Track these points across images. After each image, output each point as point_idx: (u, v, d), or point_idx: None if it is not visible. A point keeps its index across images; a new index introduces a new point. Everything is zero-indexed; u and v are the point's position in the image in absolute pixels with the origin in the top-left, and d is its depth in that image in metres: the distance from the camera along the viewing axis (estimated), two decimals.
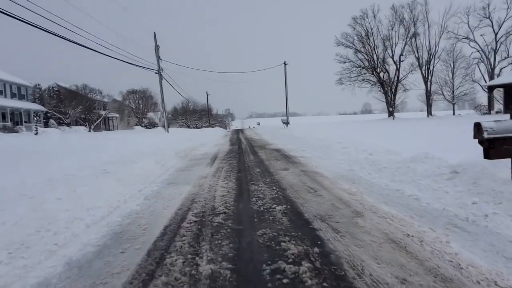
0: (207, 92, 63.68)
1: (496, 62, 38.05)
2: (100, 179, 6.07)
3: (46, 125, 31.10)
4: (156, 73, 26.45)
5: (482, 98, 39.16)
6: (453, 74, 34.37)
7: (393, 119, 34.86)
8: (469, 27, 39.02)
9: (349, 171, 7.08)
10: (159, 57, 26.60)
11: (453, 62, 34.32)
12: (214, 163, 9.76)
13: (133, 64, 22.96)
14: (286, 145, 14.24)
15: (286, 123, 26.82)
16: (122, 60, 21.17)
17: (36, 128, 21.61)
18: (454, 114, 35.71)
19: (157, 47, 26.59)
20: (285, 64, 36.22)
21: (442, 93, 35.51)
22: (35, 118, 25.78)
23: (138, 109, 56.39)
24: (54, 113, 32.67)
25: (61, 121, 33.80)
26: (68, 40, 14.95)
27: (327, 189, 5.37)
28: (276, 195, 5.05)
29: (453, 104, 35.30)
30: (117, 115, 51.75)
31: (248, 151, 12.76)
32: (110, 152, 10.47)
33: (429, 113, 41.91)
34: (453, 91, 34.76)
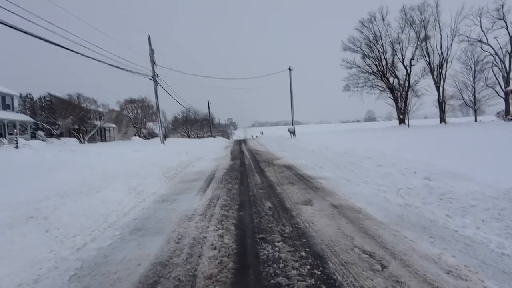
0: (208, 101, 61.50)
1: None
2: (11, 233, 3.70)
3: (34, 137, 28.92)
4: (151, 79, 24.25)
5: (499, 105, 36.53)
6: (474, 77, 31.74)
7: (408, 126, 32.39)
8: (481, 29, 36.77)
9: (406, 208, 4.69)
10: (154, 62, 24.42)
11: (474, 65, 31.78)
12: (208, 188, 7.38)
13: (125, 70, 20.75)
14: (297, 160, 11.86)
15: (293, 132, 24.40)
16: (114, 66, 19.04)
17: (16, 140, 19.35)
18: (476, 120, 33.07)
19: (151, 52, 24.44)
20: (290, 69, 33.95)
21: (462, 97, 32.89)
22: (15, 130, 23.54)
23: (136, 119, 54.23)
24: (43, 124, 30.44)
25: (51, 133, 31.62)
26: (55, 44, 12.88)
27: (401, 259, 2.96)
28: (313, 280, 2.64)
29: (475, 110, 32.60)
30: (114, 126, 49.51)
31: (253, 169, 10.37)
32: (76, 174, 8.12)
33: (442, 119, 39.43)
34: (474, 96, 32.04)
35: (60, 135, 35.85)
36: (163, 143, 24.54)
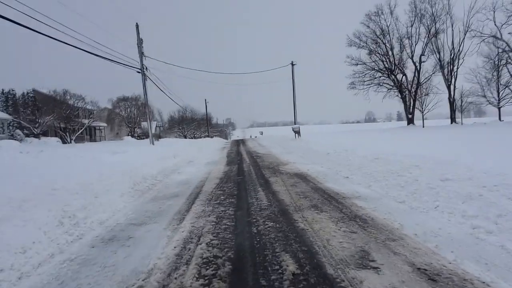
0: (205, 100, 59.01)
1: None
2: None
3: (12, 136, 26.29)
4: (139, 72, 21.68)
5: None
6: (498, 71, 29.03)
7: (423, 126, 29.80)
8: (495, 24, 34.20)
9: None
10: (142, 53, 21.83)
11: (498, 59, 29.08)
12: (189, 213, 4.85)
13: (111, 60, 18.23)
14: (310, 166, 9.33)
15: (298, 132, 21.80)
16: (101, 56, 16.59)
17: None
18: (500, 119, 30.41)
19: (140, 41, 21.87)
20: (292, 64, 31.48)
21: (484, 94, 30.15)
22: None
23: (130, 118, 51.57)
24: (22, 122, 27.75)
25: (33, 131, 28.95)
26: (39, 33, 10.48)
27: None
28: None
29: (499, 109, 29.93)
30: (105, 124, 46.75)
31: (254, 179, 7.82)
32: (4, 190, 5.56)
33: (453, 120, 36.96)
34: (498, 92, 29.32)
35: (45, 134, 33.21)
36: (153, 143, 21.97)
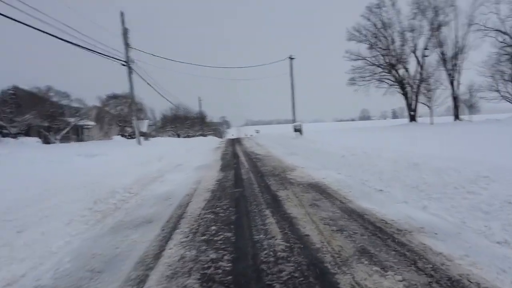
0: (199, 98, 57.12)
1: None
2: None
3: None
4: (124, 65, 19.67)
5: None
6: None
7: (432, 123, 28.04)
8: (499, 17, 32.59)
9: None
10: (127, 44, 19.83)
11: None
12: (157, 264, 2.97)
13: (95, 52, 16.23)
14: (323, 172, 7.49)
15: (300, 130, 19.88)
16: (83, 47, 14.61)
17: None
18: None
19: (125, 31, 19.84)
20: (291, 58, 29.60)
21: (497, 89, 28.47)
22: None
23: (120, 117, 49.33)
24: None
25: (10, 132, 26.79)
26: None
27: None
28: None
29: None
30: (93, 123, 44.41)
31: (257, 192, 5.91)
32: None
33: (457, 116, 35.50)
34: None
35: (27, 134, 30.92)
36: (139, 143, 19.99)
